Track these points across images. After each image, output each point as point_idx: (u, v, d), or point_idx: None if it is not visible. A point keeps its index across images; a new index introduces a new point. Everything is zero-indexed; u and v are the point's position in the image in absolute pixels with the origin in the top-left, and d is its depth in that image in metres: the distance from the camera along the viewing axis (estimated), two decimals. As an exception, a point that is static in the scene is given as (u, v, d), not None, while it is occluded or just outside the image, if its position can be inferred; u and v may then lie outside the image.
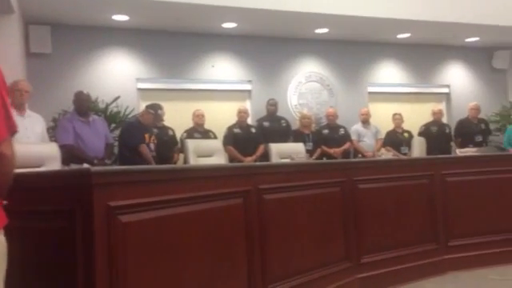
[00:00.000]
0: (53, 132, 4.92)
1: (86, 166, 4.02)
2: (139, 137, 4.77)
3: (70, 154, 4.23)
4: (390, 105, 7.36)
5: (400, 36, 7.11)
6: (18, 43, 5.06)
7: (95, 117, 4.80)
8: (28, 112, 4.10)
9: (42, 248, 1.80)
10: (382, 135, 6.52)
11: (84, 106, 4.59)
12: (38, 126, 4.12)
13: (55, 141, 4.37)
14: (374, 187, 3.42)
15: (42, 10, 5.40)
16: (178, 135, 5.70)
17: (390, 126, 6.62)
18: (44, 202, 1.83)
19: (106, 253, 1.72)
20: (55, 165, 3.18)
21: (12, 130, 1.37)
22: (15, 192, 1.90)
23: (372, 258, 3.31)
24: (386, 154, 5.83)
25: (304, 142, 5.72)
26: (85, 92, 4.67)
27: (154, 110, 5.03)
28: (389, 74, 7.57)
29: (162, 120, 5.37)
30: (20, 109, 3.98)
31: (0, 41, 4.71)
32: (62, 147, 4.01)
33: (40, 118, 4.21)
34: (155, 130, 5.19)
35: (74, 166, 4.08)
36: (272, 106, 6.23)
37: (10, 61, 4.80)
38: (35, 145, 3.72)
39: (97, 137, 4.57)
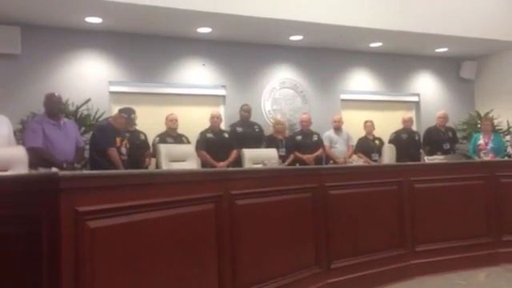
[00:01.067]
0: (20, 135, 4.79)
1: (54, 170, 3.94)
2: (109, 140, 4.68)
3: (38, 157, 4.13)
4: (362, 112, 7.49)
5: (372, 45, 7.25)
6: (-14, 43, 4.93)
7: (66, 120, 4.70)
8: (-6, 114, 3.98)
9: (7, 254, 1.76)
10: (354, 142, 6.62)
11: (55, 108, 4.48)
12: (4, 128, 4.00)
13: (23, 144, 4.25)
14: (344, 193, 3.47)
15: (12, 10, 5.27)
16: (151, 139, 5.64)
17: (362, 133, 6.72)
18: (9, 206, 1.78)
19: (73, 259, 1.69)
20: (22, 168, 3.10)
21: None
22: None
23: (341, 264, 3.35)
24: (357, 161, 5.92)
25: (277, 147, 5.75)
26: (56, 94, 4.56)
27: (127, 114, 4.96)
28: (361, 82, 7.70)
29: (135, 124, 5.30)
30: (-14, 111, 3.87)
31: (-34, 40, 4.58)
32: (30, 150, 3.91)
33: (6, 120, 4.09)
34: (127, 134, 5.12)
35: (42, 170, 3.99)
36: (245, 111, 6.24)
37: (-23, 61, 4.67)
38: (1, 148, 3.62)
39: (67, 140, 4.47)
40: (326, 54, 7.29)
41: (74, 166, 4.38)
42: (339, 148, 6.45)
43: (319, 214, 3.27)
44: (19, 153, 3.24)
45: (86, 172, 3.38)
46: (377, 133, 6.77)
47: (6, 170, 2.99)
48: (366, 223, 3.55)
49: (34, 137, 4.28)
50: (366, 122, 6.74)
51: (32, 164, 3.74)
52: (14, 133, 4.46)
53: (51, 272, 1.65)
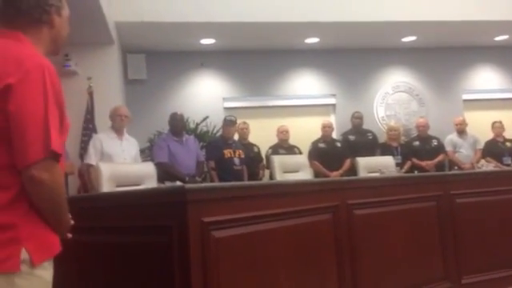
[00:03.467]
0: (148, 152, 5.24)
1: (178, 183, 4.24)
2: (213, 153, 4.99)
3: (164, 171, 4.48)
4: (489, 112, 6.83)
5: (498, 38, 6.61)
6: (118, 71, 5.53)
7: (188, 136, 5.04)
8: (126, 136, 4.42)
9: (142, 261, 1.92)
10: (481, 145, 6.06)
11: (178, 126, 4.84)
12: (133, 148, 4.41)
13: (151, 160, 4.64)
14: (474, 201, 3.18)
15: (138, 40, 5.85)
16: (263, 152, 5.78)
17: (489, 136, 6.14)
18: (143, 218, 1.95)
19: (201, 267, 1.78)
20: (152, 182, 3.38)
21: (50, 150, 1.15)
22: (116, 209, 2.07)
23: (474, 279, 3.06)
24: (487, 166, 5.40)
25: (392, 155, 5.48)
26: (179, 113, 4.92)
27: (224, 121, 5.21)
28: (486, 80, 7.06)
29: (235, 123, 5.25)
30: (119, 133, 4.32)
31: (102, 69, 5.20)
32: (158, 165, 4.26)
33: (135, 141, 4.52)
34: (241, 146, 5.30)
35: (167, 183, 4.32)
36: (357, 118, 6.09)
37: (112, 88, 5.27)
38: (135, 165, 4.00)
39: (189, 155, 4.79)
40: (442, 52, 6.82)
41: (195, 179, 4.67)
42: (464, 152, 5.96)
43: (446, 224, 3.03)
44: (149, 169, 3.54)
45: (209, 184, 3.57)
46: (507, 134, 6.12)
47: (139, 185, 3.28)
48: (501, 234, 3.20)
49: (161, 153, 4.67)
50: (494, 122, 6.15)
51: (159, 178, 4.07)
52: (143, 150, 4.90)
53: (182, 278, 1.76)
